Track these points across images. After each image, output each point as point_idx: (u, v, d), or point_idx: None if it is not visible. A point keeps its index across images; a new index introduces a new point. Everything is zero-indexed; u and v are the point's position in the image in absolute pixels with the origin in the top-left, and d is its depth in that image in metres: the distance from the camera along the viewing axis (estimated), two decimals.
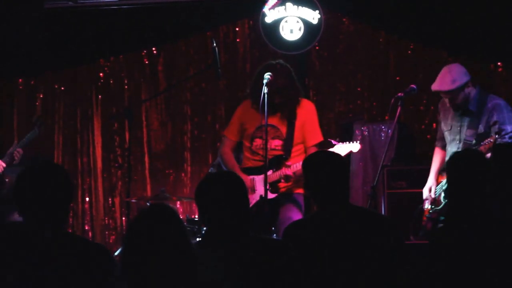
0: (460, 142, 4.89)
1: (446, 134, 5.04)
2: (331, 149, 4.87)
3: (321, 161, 3.28)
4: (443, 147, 5.12)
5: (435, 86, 4.95)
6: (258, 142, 5.04)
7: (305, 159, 3.43)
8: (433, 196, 5.01)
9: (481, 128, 4.81)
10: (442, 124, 5.10)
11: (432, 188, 5.04)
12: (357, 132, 6.19)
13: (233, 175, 3.05)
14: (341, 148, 4.88)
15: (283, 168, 4.93)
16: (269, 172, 4.90)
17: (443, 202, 4.87)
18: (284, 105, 4.98)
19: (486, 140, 4.61)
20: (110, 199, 7.02)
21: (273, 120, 4.94)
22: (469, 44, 6.23)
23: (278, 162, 4.96)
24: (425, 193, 5.07)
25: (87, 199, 6.99)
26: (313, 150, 4.98)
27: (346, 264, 3.10)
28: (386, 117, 6.37)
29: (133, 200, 6.08)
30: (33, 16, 6.54)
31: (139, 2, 6.65)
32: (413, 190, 5.72)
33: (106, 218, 6.99)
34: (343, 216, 3.18)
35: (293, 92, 5.02)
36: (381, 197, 5.84)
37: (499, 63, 6.42)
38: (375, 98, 6.69)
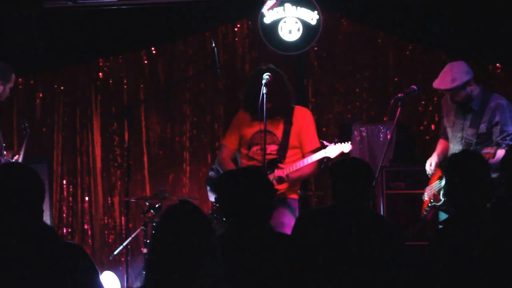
0: (462, 139, 4.92)
1: (449, 130, 5.08)
2: (323, 150, 4.90)
3: (351, 167, 3.56)
4: (447, 139, 5.16)
5: (435, 84, 5.01)
6: (254, 148, 5.02)
7: (334, 164, 3.70)
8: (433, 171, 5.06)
9: (482, 128, 4.82)
10: (445, 120, 5.15)
11: (433, 163, 5.09)
12: (355, 133, 6.18)
13: (255, 171, 3.27)
14: (333, 150, 4.88)
15: (276, 170, 4.91)
16: None
17: (442, 200, 4.89)
18: (278, 111, 4.95)
19: (487, 150, 4.60)
20: (109, 199, 7.03)
21: (269, 126, 4.88)
22: (468, 45, 6.23)
23: (272, 164, 4.95)
24: (427, 167, 5.14)
25: (87, 198, 7.00)
26: (310, 155, 4.99)
27: (349, 260, 3.26)
28: (385, 118, 6.37)
29: (132, 200, 6.09)
30: (32, 15, 6.55)
31: (138, 2, 6.65)
32: (411, 191, 5.74)
33: (106, 218, 7.00)
34: (353, 214, 3.39)
35: (283, 97, 4.95)
36: (380, 197, 5.84)
37: (497, 64, 6.42)
38: (374, 99, 6.70)
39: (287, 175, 4.88)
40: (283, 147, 4.97)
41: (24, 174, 2.71)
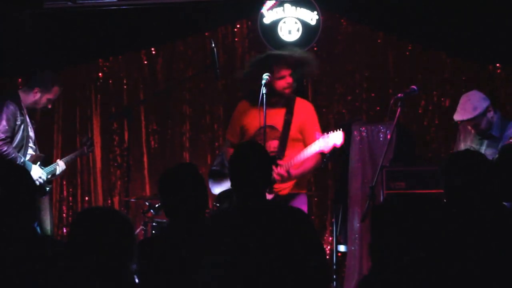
0: None
1: None
2: (317, 144, 4.79)
3: (243, 155, 3.40)
4: None
5: (457, 116, 5.11)
6: None
7: (232, 153, 3.53)
8: None
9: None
10: (462, 145, 5.23)
11: None
12: (355, 133, 6.16)
13: (188, 166, 3.48)
14: (324, 143, 4.76)
15: (275, 168, 4.82)
16: None
17: None
18: (279, 99, 4.94)
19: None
20: (109, 199, 7.04)
21: (271, 118, 4.87)
22: (468, 45, 6.23)
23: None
24: None
25: (87, 198, 7.02)
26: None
27: (260, 254, 3.18)
28: (385, 119, 6.36)
29: (132, 200, 6.10)
30: (32, 16, 6.56)
31: (138, 2, 6.64)
32: (412, 191, 5.73)
33: None
34: (257, 208, 3.30)
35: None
36: (380, 197, 5.83)
37: (497, 64, 6.42)
38: (374, 99, 6.70)
39: (287, 171, 4.81)
40: (283, 140, 4.93)
41: (14, 173, 2.71)
